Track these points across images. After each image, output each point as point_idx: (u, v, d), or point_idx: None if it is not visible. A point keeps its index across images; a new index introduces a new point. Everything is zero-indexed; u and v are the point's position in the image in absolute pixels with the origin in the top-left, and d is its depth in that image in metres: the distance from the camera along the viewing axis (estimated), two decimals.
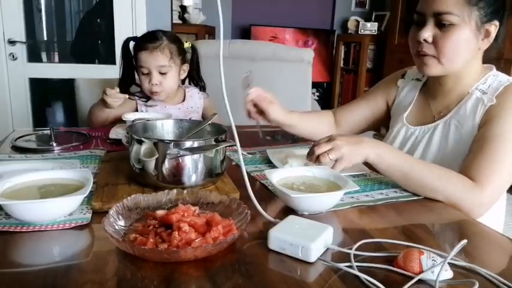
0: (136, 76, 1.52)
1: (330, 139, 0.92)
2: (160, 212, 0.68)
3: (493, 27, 0.97)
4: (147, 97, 1.52)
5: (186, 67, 1.54)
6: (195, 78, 1.61)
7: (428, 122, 1.10)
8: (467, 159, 0.95)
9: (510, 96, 0.97)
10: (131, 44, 1.50)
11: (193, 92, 1.60)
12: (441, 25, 0.96)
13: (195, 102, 1.58)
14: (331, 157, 0.89)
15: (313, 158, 0.92)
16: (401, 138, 1.15)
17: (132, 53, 1.49)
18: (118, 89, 1.40)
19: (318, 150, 0.91)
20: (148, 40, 1.42)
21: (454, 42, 0.96)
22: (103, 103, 1.41)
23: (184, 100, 1.56)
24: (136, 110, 1.51)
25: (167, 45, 1.42)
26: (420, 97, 1.16)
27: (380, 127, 1.31)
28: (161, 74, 1.43)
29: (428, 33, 0.97)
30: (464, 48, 0.98)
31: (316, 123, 1.27)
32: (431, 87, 1.13)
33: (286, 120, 1.17)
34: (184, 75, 1.54)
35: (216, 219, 0.66)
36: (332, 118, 1.32)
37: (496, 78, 1.03)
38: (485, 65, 1.07)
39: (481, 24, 0.96)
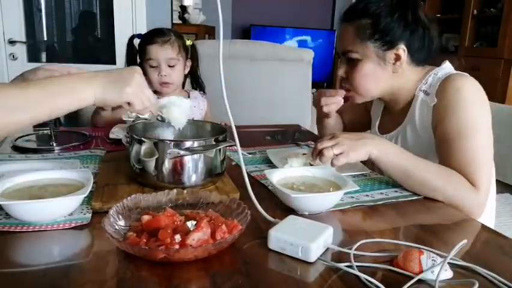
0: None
1: (333, 137, 0.92)
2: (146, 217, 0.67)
3: (401, 51, 1.01)
4: (155, 92, 1.54)
5: (189, 62, 1.60)
6: (194, 76, 1.67)
7: (392, 129, 1.14)
8: (445, 163, 0.95)
9: (446, 90, 0.98)
10: (135, 41, 1.55)
11: (196, 93, 1.67)
12: (349, 62, 1.05)
13: (198, 102, 1.64)
14: (335, 151, 0.89)
15: (316, 152, 0.91)
16: None
17: (137, 49, 1.55)
18: None
19: (321, 146, 0.91)
20: (157, 35, 1.50)
21: (359, 74, 1.04)
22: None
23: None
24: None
25: (175, 40, 1.51)
26: (386, 107, 1.22)
27: None
28: (170, 66, 1.49)
29: (341, 70, 1.09)
30: (371, 78, 1.05)
31: (338, 123, 1.38)
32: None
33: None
34: (187, 70, 1.60)
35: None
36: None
37: (436, 75, 1.04)
38: (429, 66, 1.09)
39: (382, 53, 1.01)
